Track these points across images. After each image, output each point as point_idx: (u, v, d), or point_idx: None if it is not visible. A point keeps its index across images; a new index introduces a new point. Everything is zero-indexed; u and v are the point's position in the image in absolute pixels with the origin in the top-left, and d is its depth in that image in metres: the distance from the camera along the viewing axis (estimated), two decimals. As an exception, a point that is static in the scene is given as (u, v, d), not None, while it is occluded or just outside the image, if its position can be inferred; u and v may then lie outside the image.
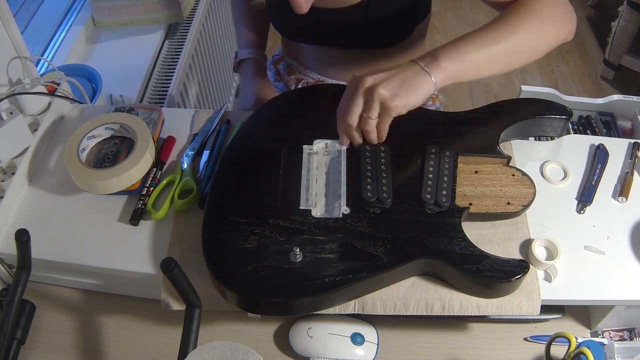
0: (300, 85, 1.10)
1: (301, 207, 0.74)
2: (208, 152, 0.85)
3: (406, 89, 0.70)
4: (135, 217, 0.78)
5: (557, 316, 0.82)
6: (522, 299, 0.70)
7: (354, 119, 0.72)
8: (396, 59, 1.00)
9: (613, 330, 0.81)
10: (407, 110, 0.71)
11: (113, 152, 0.83)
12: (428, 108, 0.97)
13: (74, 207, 0.81)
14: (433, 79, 0.70)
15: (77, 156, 0.79)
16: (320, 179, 0.77)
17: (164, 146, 0.86)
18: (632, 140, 0.87)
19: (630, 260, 0.74)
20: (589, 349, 0.69)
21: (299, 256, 0.67)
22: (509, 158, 0.79)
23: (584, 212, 0.79)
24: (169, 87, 1.50)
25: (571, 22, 0.78)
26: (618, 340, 0.80)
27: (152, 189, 0.81)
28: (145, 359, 0.79)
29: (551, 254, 0.74)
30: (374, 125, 0.72)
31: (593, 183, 0.81)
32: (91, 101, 1.32)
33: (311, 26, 0.95)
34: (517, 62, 0.76)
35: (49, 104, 0.92)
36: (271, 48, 1.17)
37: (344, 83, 1.05)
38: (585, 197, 0.80)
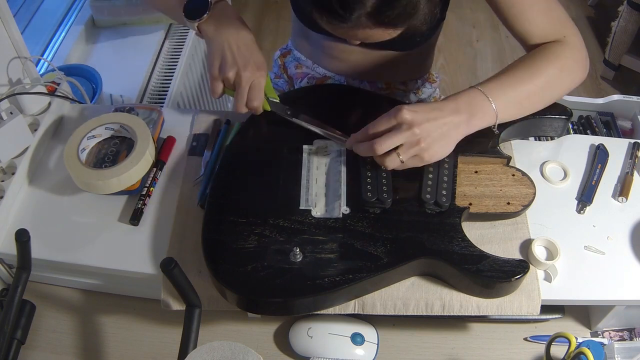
0: (306, 80, 1.09)
1: (301, 207, 0.74)
2: (209, 152, 0.85)
3: (449, 140, 0.72)
4: (135, 217, 0.78)
5: (557, 316, 0.82)
6: (522, 299, 0.70)
7: (382, 151, 0.71)
8: (409, 58, 1.00)
9: (613, 330, 0.81)
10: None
11: (113, 152, 0.83)
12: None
13: (73, 207, 0.81)
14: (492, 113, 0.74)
15: (77, 156, 0.79)
16: (320, 179, 0.77)
17: (164, 146, 0.86)
18: (632, 140, 0.87)
19: (630, 260, 0.74)
20: (589, 349, 0.69)
21: (299, 256, 0.67)
22: (509, 158, 0.79)
23: (584, 212, 0.79)
24: (169, 87, 1.50)
25: (584, 73, 0.81)
26: (618, 340, 0.80)
27: (152, 189, 0.81)
28: (145, 359, 0.79)
29: (551, 254, 0.74)
30: (398, 164, 0.72)
31: (593, 183, 0.81)
32: (91, 101, 1.32)
33: None
34: (536, 107, 0.79)
35: (49, 104, 0.92)
36: (277, 43, 1.15)
37: (348, 80, 1.05)
38: (585, 197, 0.80)
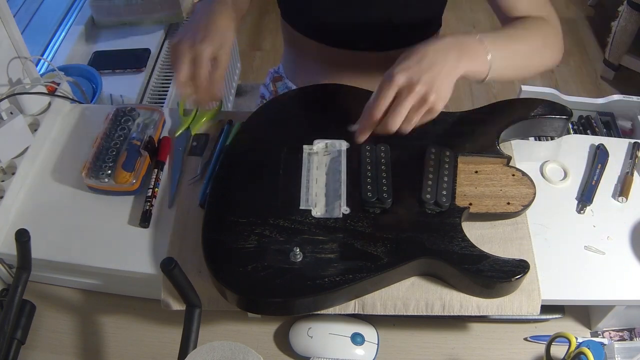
0: None
1: (301, 207, 0.74)
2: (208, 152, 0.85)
3: (450, 79, 0.68)
4: (145, 219, 0.78)
5: (557, 316, 0.82)
6: (522, 299, 0.70)
7: (397, 127, 0.68)
8: None
9: (613, 330, 0.81)
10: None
11: (114, 152, 0.83)
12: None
13: (73, 207, 0.81)
14: (489, 56, 0.71)
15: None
16: (320, 179, 0.77)
17: (161, 147, 0.86)
18: (632, 140, 0.87)
19: (630, 260, 0.74)
20: (589, 349, 0.69)
21: (299, 256, 0.67)
22: (509, 158, 0.79)
23: (584, 212, 0.79)
24: (169, 87, 1.50)
25: (560, 55, 0.82)
26: (618, 340, 0.80)
27: (156, 189, 0.81)
28: (145, 359, 0.79)
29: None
30: (405, 113, 0.68)
31: (593, 183, 0.81)
32: (91, 101, 1.32)
33: (331, 21, 0.93)
34: (523, 69, 0.79)
35: (49, 104, 0.92)
36: (277, 43, 1.14)
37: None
38: (586, 197, 0.80)
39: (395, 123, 0.68)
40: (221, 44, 0.75)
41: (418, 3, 0.92)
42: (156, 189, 0.81)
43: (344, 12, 0.93)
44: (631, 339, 0.81)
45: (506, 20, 0.82)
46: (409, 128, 0.69)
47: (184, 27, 0.78)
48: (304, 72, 0.99)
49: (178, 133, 0.87)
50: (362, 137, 0.73)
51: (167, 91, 1.49)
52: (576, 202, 0.80)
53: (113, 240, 0.77)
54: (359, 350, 0.77)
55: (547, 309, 0.78)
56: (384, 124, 0.68)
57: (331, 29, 0.96)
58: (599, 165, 0.83)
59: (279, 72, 1.16)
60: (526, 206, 0.75)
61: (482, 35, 0.72)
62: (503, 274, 0.67)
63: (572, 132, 1.00)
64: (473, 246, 0.69)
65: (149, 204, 0.79)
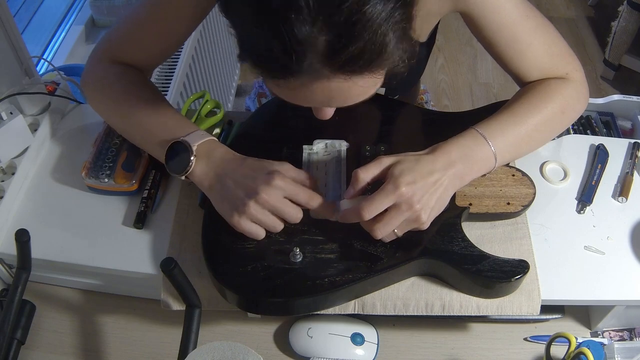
0: None
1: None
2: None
3: (445, 200, 0.67)
4: (140, 220, 0.78)
5: (557, 316, 0.82)
6: (522, 299, 0.70)
7: (382, 235, 0.65)
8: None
9: (613, 330, 0.81)
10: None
11: (113, 152, 0.83)
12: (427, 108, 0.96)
13: (73, 207, 0.81)
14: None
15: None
16: (320, 180, 0.77)
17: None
18: (632, 140, 0.87)
19: (630, 260, 0.74)
20: (589, 349, 0.69)
21: (299, 256, 0.67)
22: (509, 158, 0.79)
23: (584, 212, 0.79)
24: (169, 87, 1.50)
25: (584, 107, 0.77)
26: (618, 340, 0.80)
27: (153, 190, 0.81)
28: (145, 359, 0.79)
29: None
30: (395, 226, 0.65)
31: (593, 183, 0.81)
32: (91, 101, 1.32)
33: None
34: (533, 148, 0.76)
35: (49, 104, 0.92)
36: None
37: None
38: (585, 197, 0.80)
39: (384, 232, 0.64)
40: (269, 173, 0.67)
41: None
42: (153, 190, 0.81)
43: None
44: (631, 339, 0.81)
45: (522, 85, 0.78)
46: (387, 239, 0.67)
47: (219, 200, 0.69)
48: None
49: None
50: (343, 219, 0.67)
51: (167, 91, 1.49)
52: (576, 202, 0.80)
53: (113, 240, 0.77)
54: (359, 350, 0.77)
55: (547, 309, 0.78)
56: (369, 226, 0.65)
57: None
58: (599, 165, 0.83)
59: (264, 88, 1.14)
60: (526, 206, 0.75)
61: (485, 130, 0.69)
62: (503, 274, 0.67)
63: (572, 132, 1.00)
64: (473, 246, 0.69)
65: (144, 205, 0.79)
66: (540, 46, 0.74)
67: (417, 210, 0.63)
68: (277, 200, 0.66)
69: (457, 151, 0.68)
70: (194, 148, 0.70)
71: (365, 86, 0.55)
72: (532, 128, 0.72)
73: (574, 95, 0.74)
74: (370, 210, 0.63)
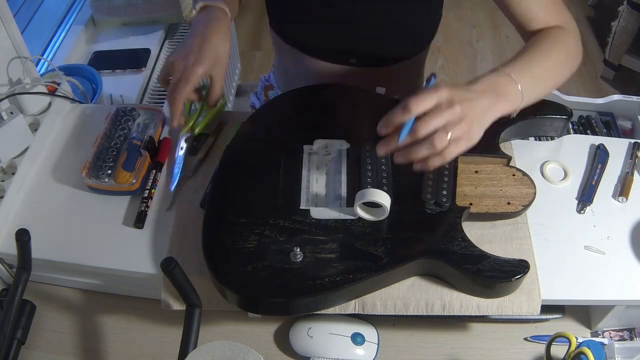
0: None
1: (301, 207, 0.74)
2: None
3: (484, 122, 0.69)
4: (140, 220, 0.78)
5: (557, 316, 0.82)
6: (522, 299, 0.70)
7: (426, 132, 0.64)
8: (399, 79, 1.00)
9: (613, 330, 0.81)
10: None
11: (114, 152, 0.83)
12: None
13: (73, 207, 0.81)
14: (519, 87, 0.72)
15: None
16: (321, 179, 0.77)
17: (161, 148, 0.86)
18: (632, 140, 0.87)
19: (630, 260, 0.74)
20: (589, 349, 0.69)
21: (299, 256, 0.67)
22: (509, 158, 0.79)
23: (584, 212, 0.79)
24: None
25: (580, 60, 0.81)
26: (618, 340, 0.80)
27: (153, 190, 0.81)
28: (145, 359, 0.79)
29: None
30: (446, 142, 0.65)
31: (593, 183, 0.81)
32: (91, 101, 1.32)
33: (324, 33, 0.94)
34: (550, 87, 0.79)
35: (49, 104, 0.92)
36: (269, 62, 1.13)
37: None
38: (586, 197, 0.80)
39: (427, 128, 0.64)
40: (214, 63, 0.79)
41: (410, 19, 0.91)
42: (153, 190, 0.81)
43: (334, 28, 0.92)
44: (631, 339, 0.81)
45: (525, 33, 0.82)
46: (440, 142, 0.64)
47: (179, 46, 0.81)
48: (295, 84, 0.99)
49: (183, 132, 0.87)
50: (385, 130, 0.66)
51: (167, 91, 1.49)
52: (576, 202, 0.80)
53: (113, 240, 0.77)
54: (359, 350, 0.77)
55: (547, 309, 0.78)
56: (415, 129, 0.64)
57: (321, 44, 0.95)
58: (599, 165, 0.83)
59: (270, 80, 1.15)
60: (526, 206, 0.75)
61: (511, 68, 0.72)
62: (503, 274, 0.67)
63: (572, 132, 1.00)
64: (473, 246, 0.69)
65: (144, 204, 0.79)
66: None
67: (459, 112, 0.65)
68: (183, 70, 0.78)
69: (488, 83, 0.71)
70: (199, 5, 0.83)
71: None
72: (549, 68, 0.76)
73: (572, 43, 0.80)
74: (417, 104, 0.64)
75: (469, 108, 0.66)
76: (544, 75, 0.76)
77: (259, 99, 1.16)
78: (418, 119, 0.64)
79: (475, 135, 0.67)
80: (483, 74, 0.72)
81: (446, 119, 0.64)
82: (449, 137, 0.64)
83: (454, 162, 0.77)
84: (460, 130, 0.65)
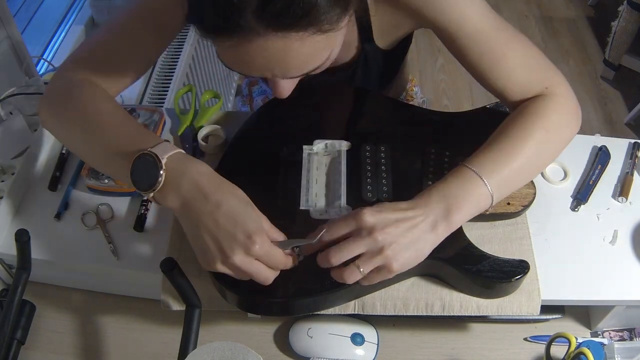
0: None
1: (301, 208, 0.74)
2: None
3: (421, 246, 0.61)
4: (139, 223, 0.78)
5: (557, 316, 0.82)
6: (522, 299, 0.70)
7: (337, 262, 0.61)
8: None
9: (613, 330, 0.81)
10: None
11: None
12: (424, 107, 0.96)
13: (74, 207, 0.81)
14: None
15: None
16: (320, 180, 0.77)
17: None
18: (632, 141, 0.87)
19: (631, 260, 0.74)
20: (589, 349, 0.69)
21: (299, 256, 0.67)
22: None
23: (578, 210, 0.79)
24: (169, 87, 1.50)
25: (577, 124, 0.71)
26: (618, 340, 0.80)
27: None
28: (145, 359, 0.79)
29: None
30: (358, 277, 0.61)
31: (591, 182, 0.81)
32: (91, 101, 1.32)
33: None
34: (528, 179, 0.71)
35: (49, 104, 0.92)
36: None
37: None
38: (581, 195, 0.80)
39: (337, 257, 0.60)
40: (248, 234, 0.59)
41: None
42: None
43: None
44: (631, 339, 0.81)
45: (506, 103, 0.74)
46: (350, 277, 0.60)
47: (196, 246, 0.62)
48: None
49: (180, 131, 0.87)
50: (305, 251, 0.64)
51: (167, 91, 1.49)
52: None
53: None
54: (359, 351, 0.77)
55: (547, 309, 0.78)
56: (325, 253, 0.61)
57: None
58: (599, 165, 0.83)
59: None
60: (526, 206, 0.75)
61: (479, 166, 0.64)
62: (503, 274, 0.67)
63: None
64: (473, 246, 0.69)
65: (144, 207, 0.79)
66: (515, 59, 0.70)
67: (379, 240, 0.58)
68: (250, 267, 0.60)
69: (441, 193, 0.63)
70: (164, 161, 0.61)
71: (304, 49, 0.54)
72: (522, 160, 0.66)
73: (556, 111, 0.69)
74: (330, 233, 0.60)
75: (396, 234, 0.59)
76: (515, 174, 0.66)
77: (244, 95, 1.15)
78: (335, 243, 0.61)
79: (407, 262, 0.61)
80: (443, 178, 0.65)
81: (361, 249, 0.60)
82: (361, 271, 0.60)
83: (455, 163, 0.77)
84: (377, 262, 0.60)
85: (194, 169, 0.62)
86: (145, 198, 0.79)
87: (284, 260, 0.62)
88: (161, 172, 0.60)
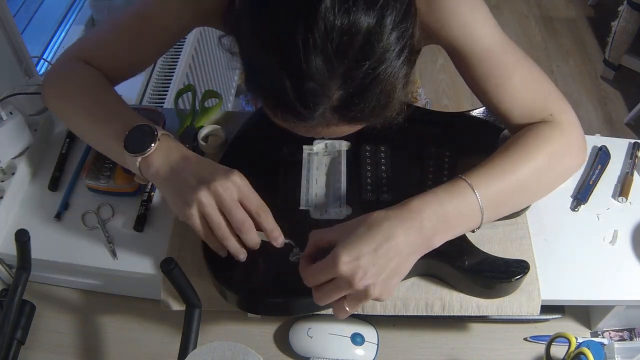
0: None
1: (301, 208, 0.74)
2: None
3: (404, 269, 0.60)
4: (139, 223, 0.78)
5: (557, 316, 0.82)
6: (522, 299, 0.70)
7: (323, 303, 0.60)
8: None
9: (613, 330, 0.81)
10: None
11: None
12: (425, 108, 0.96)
13: (74, 207, 0.81)
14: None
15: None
16: (320, 180, 0.77)
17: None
18: (632, 141, 0.87)
19: (631, 260, 0.74)
20: (589, 349, 0.69)
21: (299, 257, 0.67)
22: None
23: (578, 210, 0.79)
24: (169, 87, 1.50)
25: (581, 157, 0.71)
26: (618, 340, 0.80)
27: (152, 193, 0.81)
28: (145, 359, 0.79)
29: None
30: (348, 314, 0.61)
31: (590, 182, 0.81)
32: (91, 101, 1.32)
33: None
34: (524, 203, 0.71)
35: (49, 104, 0.92)
36: None
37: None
38: (581, 195, 0.80)
39: (322, 301, 0.60)
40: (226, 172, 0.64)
41: None
42: (152, 193, 0.81)
43: None
44: (631, 339, 0.81)
45: (509, 126, 0.73)
46: (341, 314, 0.61)
47: (173, 192, 0.65)
48: None
49: (180, 131, 0.87)
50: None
51: (167, 91, 1.49)
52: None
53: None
54: (359, 350, 0.77)
55: (547, 309, 0.78)
56: (315, 297, 0.61)
57: None
58: (599, 165, 0.83)
59: None
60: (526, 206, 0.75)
61: (472, 178, 0.63)
62: (503, 274, 0.67)
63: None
64: (473, 246, 0.69)
65: (144, 207, 0.79)
66: (520, 82, 0.69)
67: (360, 288, 0.57)
68: (229, 196, 0.62)
69: (429, 209, 0.61)
70: (160, 133, 0.66)
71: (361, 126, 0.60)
72: (519, 180, 0.65)
73: (560, 139, 0.67)
74: (309, 280, 0.60)
75: (375, 275, 0.57)
76: (508, 193, 0.65)
77: (248, 95, 1.16)
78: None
79: (389, 292, 0.59)
80: (432, 189, 0.63)
81: (344, 293, 0.59)
82: (347, 310, 0.60)
83: (455, 163, 0.77)
84: (363, 301, 0.59)
85: (184, 150, 0.68)
86: (144, 198, 0.79)
87: (259, 202, 0.64)
88: (156, 140, 0.66)
